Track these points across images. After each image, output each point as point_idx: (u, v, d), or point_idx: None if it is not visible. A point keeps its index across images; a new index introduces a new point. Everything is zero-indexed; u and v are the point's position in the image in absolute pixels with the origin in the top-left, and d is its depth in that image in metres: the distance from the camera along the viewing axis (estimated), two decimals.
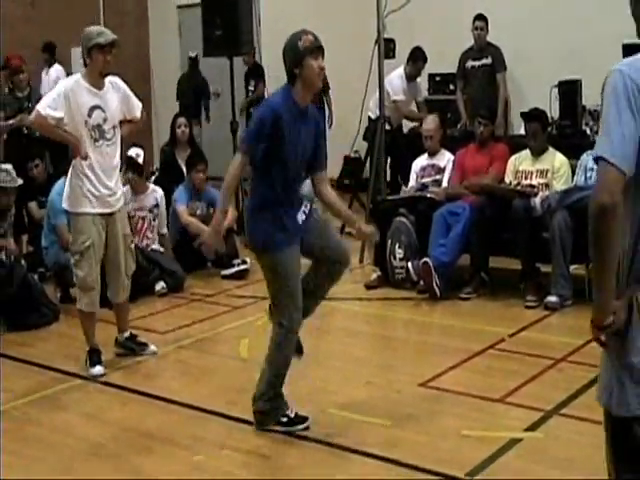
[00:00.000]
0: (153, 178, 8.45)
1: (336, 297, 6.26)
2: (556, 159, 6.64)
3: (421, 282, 6.66)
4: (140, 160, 7.31)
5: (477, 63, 9.42)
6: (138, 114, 5.49)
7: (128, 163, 7.30)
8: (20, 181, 6.68)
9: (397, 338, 6.23)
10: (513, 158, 6.85)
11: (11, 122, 9.02)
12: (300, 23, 4.28)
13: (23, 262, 6.86)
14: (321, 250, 4.33)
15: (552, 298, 6.16)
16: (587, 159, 6.31)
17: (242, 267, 7.48)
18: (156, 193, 7.53)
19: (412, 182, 7.37)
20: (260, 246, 4.28)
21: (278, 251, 4.20)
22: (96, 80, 5.19)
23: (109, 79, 5.27)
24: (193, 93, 11.49)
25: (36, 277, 6.94)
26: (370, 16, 8.03)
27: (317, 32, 4.19)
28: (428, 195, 7.03)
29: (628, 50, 2.42)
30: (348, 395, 4.72)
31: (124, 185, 7.00)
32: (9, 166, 6.65)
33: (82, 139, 5.14)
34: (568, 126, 7.51)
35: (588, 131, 7.36)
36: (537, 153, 6.69)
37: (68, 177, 5.32)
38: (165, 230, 7.59)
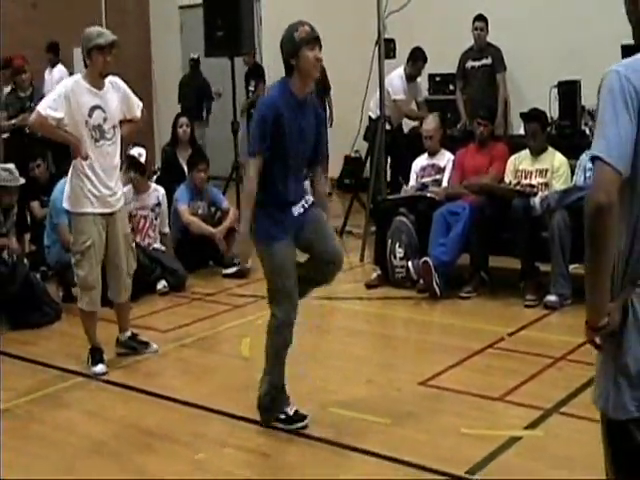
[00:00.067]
0: (155, 177, 8.47)
1: (336, 296, 6.30)
2: (555, 159, 6.66)
3: (421, 281, 6.68)
4: (142, 159, 7.33)
5: (477, 63, 9.45)
6: (138, 113, 5.51)
7: (130, 162, 7.33)
8: (22, 180, 6.70)
9: (397, 337, 6.25)
10: (513, 158, 6.87)
11: (13, 122, 9.05)
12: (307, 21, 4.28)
13: (25, 261, 6.89)
14: (315, 247, 4.35)
15: (551, 297, 6.19)
16: (586, 159, 6.31)
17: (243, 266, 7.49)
18: (158, 192, 7.56)
19: (412, 182, 7.39)
20: (256, 238, 4.30)
21: (273, 243, 4.22)
22: (96, 80, 5.21)
23: (109, 79, 5.29)
24: (195, 95, 11.50)
25: (38, 276, 6.96)
26: (370, 17, 8.06)
27: (318, 32, 4.19)
28: (428, 195, 7.05)
29: (627, 51, 2.43)
30: (348, 394, 4.73)
31: (126, 184, 7.04)
32: (11, 165, 6.67)
33: (82, 139, 5.16)
34: (567, 126, 7.53)
35: (587, 131, 7.37)
36: (536, 153, 6.71)
37: (68, 177, 5.33)
38: (167, 229, 7.61)
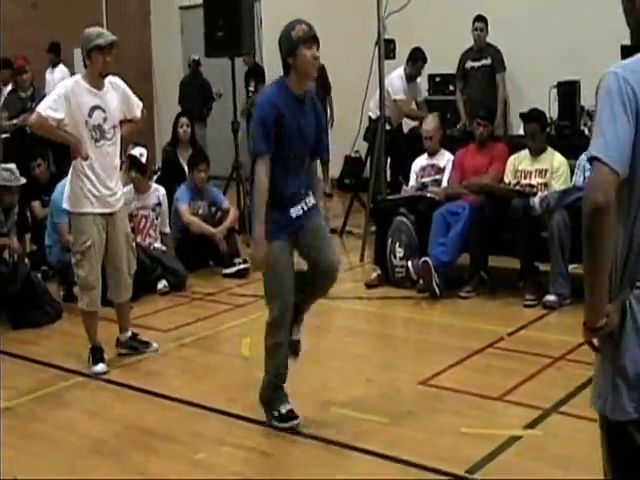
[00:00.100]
0: (155, 177, 8.48)
1: (336, 296, 6.30)
2: (555, 159, 6.67)
3: (421, 281, 6.69)
4: (143, 159, 7.34)
5: (477, 64, 9.46)
6: (138, 113, 5.52)
7: (131, 162, 7.35)
8: (23, 180, 6.72)
9: (397, 337, 6.26)
10: (512, 158, 6.88)
11: (14, 122, 9.08)
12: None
13: (26, 260, 6.91)
14: (311, 256, 4.34)
15: (551, 297, 6.20)
16: (585, 159, 6.34)
17: (243, 266, 7.50)
18: (159, 192, 7.57)
19: (412, 182, 7.40)
20: (252, 235, 4.31)
21: (268, 243, 4.20)
22: (96, 81, 5.22)
23: (109, 79, 5.30)
24: (196, 95, 11.51)
25: (39, 275, 6.98)
26: (370, 17, 8.07)
27: (318, 33, 4.17)
28: (428, 195, 7.06)
29: (626, 51, 2.44)
30: (348, 393, 4.74)
31: (127, 184, 7.06)
32: (12, 165, 6.70)
33: (83, 139, 5.17)
34: (567, 126, 7.55)
35: (587, 131, 7.38)
36: (536, 153, 6.72)
37: (69, 177, 5.34)
38: (167, 229, 7.63)
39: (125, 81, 5.48)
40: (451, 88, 10.15)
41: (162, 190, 7.61)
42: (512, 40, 9.56)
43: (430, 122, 7.39)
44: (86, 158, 5.19)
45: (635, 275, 2.32)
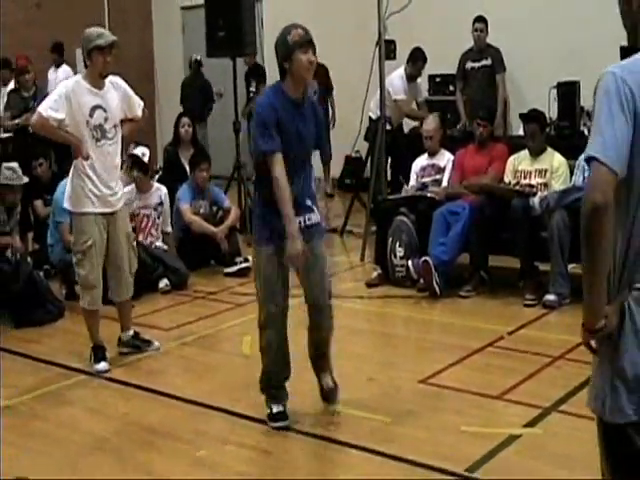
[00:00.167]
0: (157, 177, 8.51)
1: (337, 295, 6.30)
2: (555, 159, 6.69)
3: (421, 280, 6.71)
4: (145, 159, 7.37)
5: (477, 64, 9.48)
6: (139, 112, 5.53)
7: (134, 162, 7.37)
8: (26, 179, 6.75)
9: (397, 335, 6.28)
10: (512, 158, 6.90)
11: (17, 121, 9.11)
12: (302, 24, 4.30)
13: (29, 259, 6.93)
14: (302, 283, 4.38)
15: (550, 296, 6.22)
16: (583, 159, 6.35)
17: (244, 265, 7.51)
18: (160, 191, 7.59)
19: (412, 182, 7.42)
20: (251, 234, 4.37)
21: (259, 248, 4.27)
22: (96, 81, 5.24)
23: (109, 79, 5.32)
24: (197, 96, 11.53)
25: (42, 274, 6.99)
26: (371, 18, 8.10)
27: (319, 33, 4.19)
28: (428, 195, 7.08)
29: (626, 52, 2.45)
30: (349, 392, 4.74)
31: (129, 183, 7.09)
32: (15, 164, 6.72)
33: (84, 139, 5.19)
34: (566, 127, 7.57)
35: (586, 132, 7.40)
36: (536, 153, 6.74)
37: (69, 177, 5.36)
38: (169, 228, 7.65)
39: (127, 81, 5.50)
40: (451, 88, 10.17)
41: (164, 189, 7.64)
42: (512, 40, 9.57)
43: (430, 122, 7.41)
44: (87, 158, 5.21)
45: (633, 276, 2.32)
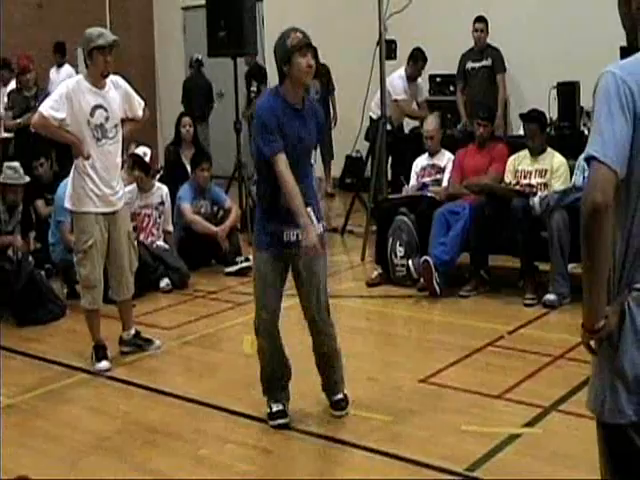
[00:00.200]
0: (158, 176, 8.52)
1: (337, 294, 6.33)
2: (555, 159, 6.70)
3: (421, 280, 6.71)
4: (147, 159, 7.38)
5: (477, 64, 9.49)
6: (140, 112, 5.53)
7: (135, 161, 7.39)
8: (27, 178, 6.76)
9: (398, 335, 6.28)
10: (512, 158, 6.90)
11: (19, 121, 9.12)
12: (303, 25, 4.27)
13: (30, 259, 6.91)
14: (299, 298, 4.39)
15: (550, 296, 6.23)
16: (582, 159, 6.36)
17: (245, 264, 7.51)
18: (162, 191, 7.61)
19: (413, 181, 7.44)
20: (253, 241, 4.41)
21: (258, 252, 4.28)
22: (97, 80, 5.25)
23: (110, 78, 5.33)
24: (198, 96, 11.53)
25: (43, 273, 7.00)
26: (371, 18, 8.10)
27: (319, 34, 4.22)
28: (429, 194, 7.10)
29: (626, 52, 2.46)
30: (350, 391, 4.74)
31: (130, 183, 7.10)
32: (16, 164, 6.73)
33: (85, 139, 5.20)
34: (566, 127, 7.59)
35: (586, 132, 7.41)
36: (536, 153, 6.74)
37: (70, 177, 5.37)
38: (170, 227, 7.66)
39: (128, 81, 5.51)
40: (452, 88, 10.18)
41: (165, 189, 7.65)
42: (512, 41, 9.59)
43: (431, 122, 7.42)
44: (88, 157, 5.22)
45: (633, 277, 2.32)
